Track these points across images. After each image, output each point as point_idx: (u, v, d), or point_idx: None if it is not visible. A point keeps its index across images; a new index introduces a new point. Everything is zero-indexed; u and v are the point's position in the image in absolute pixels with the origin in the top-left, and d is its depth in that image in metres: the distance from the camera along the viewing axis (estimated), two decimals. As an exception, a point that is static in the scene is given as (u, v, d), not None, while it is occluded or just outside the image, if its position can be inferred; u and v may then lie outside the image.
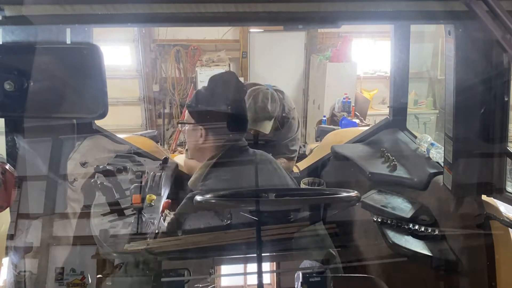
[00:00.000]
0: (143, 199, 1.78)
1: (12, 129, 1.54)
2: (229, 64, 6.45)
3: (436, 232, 1.55)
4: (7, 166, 1.24)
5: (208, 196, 1.52)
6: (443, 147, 1.58)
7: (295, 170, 2.73)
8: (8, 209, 1.35)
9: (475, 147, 1.42)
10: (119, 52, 6.62)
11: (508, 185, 1.42)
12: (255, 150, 2.00)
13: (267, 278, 1.77)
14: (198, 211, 1.77)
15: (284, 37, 6.72)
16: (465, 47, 1.32)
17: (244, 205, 1.61)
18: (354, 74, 6.28)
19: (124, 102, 6.63)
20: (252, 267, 1.61)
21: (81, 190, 1.86)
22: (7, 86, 0.96)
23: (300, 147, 2.95)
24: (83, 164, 1.91)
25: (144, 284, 1.57)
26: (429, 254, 1.48)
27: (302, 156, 2.95)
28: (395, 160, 1.97)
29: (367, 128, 2.56)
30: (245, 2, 1.05)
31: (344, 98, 6.07)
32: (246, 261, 1.70)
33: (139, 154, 2.32)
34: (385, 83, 6.44)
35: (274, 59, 6.81)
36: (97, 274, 1.76)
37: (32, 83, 0.98)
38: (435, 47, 6.52)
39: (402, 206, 1.73)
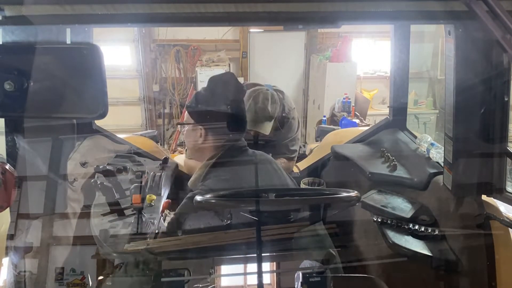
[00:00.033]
0: (143, 199, 1.78)
1: (12, 129, 1.54)
2: (229, 64, 6.45)
3: (436, 232, 1.55)
4: (7, 166, 1.24)
5: (208, 196, 1.53)
6: (443, 147, 1.58)
7: (295, 170, 2.72)
8: (8, 209, 1.36)
9: (475, 147, 1.41)
10: (119, 52, 6.61)
11: (508, 185, 1.42)
12: (255, 150, 2.00)
13: (267, 278, 1.77)
14: (198, 211, 1.77)
15: (284, 37, 6.72)
16: (465, 47, 1.31)
17: (244, 205, 1.61)
18: (354, 74, 6.28)
19: (124, 102, 6.63)
20: (252, 267, 1.61)
21: (81, 190, 1.87)
22: (7, 86, 0.96)
23: (300, 147, 2.94)
24: (83, 164, 1.91)
25: (144, 284, 1.57)
26: (429, 254, 1.48)
27: (302, 156, 2.95)
28: (395, 160, 1.97)
29: (367, 128, 2.56)
30: (245, 2, 1.05)
31: (344, 98, 6.07)
32: (246, 261, 1.70)
33: (139, 154, 2.32)
34: (385, 83, 6.44)
35: (274, 59, 6.81)
36: (97, 274, 1.77)
37: (32, 83, 0.98)
38: (435, 47, 6.51)
39: (402, 206, 1.73)
